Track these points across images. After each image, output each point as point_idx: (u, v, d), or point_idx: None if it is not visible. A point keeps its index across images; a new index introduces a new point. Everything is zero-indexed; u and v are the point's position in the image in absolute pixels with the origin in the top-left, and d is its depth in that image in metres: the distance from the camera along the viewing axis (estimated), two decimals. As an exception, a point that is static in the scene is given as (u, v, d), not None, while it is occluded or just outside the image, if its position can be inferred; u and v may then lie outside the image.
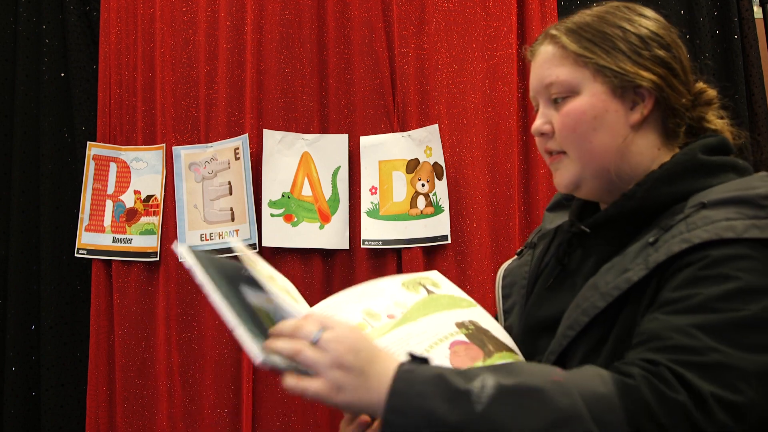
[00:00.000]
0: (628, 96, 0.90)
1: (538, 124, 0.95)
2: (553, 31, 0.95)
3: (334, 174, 2.07)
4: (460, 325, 0.94)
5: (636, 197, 0.88)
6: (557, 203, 1.11)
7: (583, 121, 0.90)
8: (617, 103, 0.90)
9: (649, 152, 0.92)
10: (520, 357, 0.95)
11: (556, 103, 0.93)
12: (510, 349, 0.93)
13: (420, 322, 0.95)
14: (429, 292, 1.03)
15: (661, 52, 0.91)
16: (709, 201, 0.82)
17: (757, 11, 2.04)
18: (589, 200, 1.00)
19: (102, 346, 2.08)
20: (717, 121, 0.96)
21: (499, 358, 0.90)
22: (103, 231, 2.12)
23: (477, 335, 0.93)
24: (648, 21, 0.93)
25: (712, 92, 0.97)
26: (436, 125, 1.99)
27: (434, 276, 1.09)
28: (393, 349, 0.90)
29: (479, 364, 0.88)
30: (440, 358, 0.88)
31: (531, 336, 0.97)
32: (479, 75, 2.04)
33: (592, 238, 0.94)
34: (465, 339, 0.92)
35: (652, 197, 0.88)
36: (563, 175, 0.94)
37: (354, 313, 0.97)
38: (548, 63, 0.94)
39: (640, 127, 0.91)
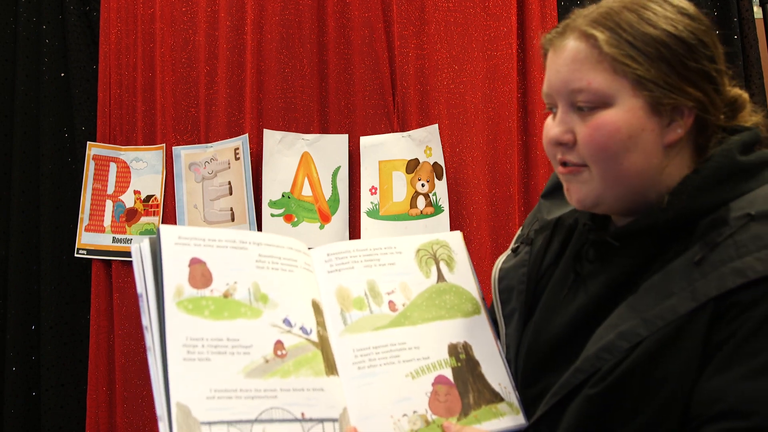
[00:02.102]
0: (664, 114, 0.80)
1: (557, 132, 0.83)
2: (585, 26, 0.82)
3: (334, 174, 2.07)
4: (452, 350, 0.95)
5: (673, 208, 0.80)
6: (554, 187, 1.01)
7: (617, 139, 0.79)
8: (654, 120, 0.79)
9: (680, 173, 0.82)
10: (504, 399, 0.92)
11: (580, 110, 0.82)
12: (492, 396, 0.92)
13: (417, 330, 0.95)
14: (440, 275, 1.01)
15: (707, 64, 0.80)
16: (756, 213, 0.75)
17: (757, 11, 2.04)
18: None
19: (102, 346, 2.08)
20: (752, 118, 0.87)
21: (474, 420, 0.90)
22: (103, 231, 2.13)
23: (464, 373, 0.93)
24: (691, 22, 0.82)
25: (745, 96, 0.87)
26: (436, 125, 1.99)
27: (453, 243, 1.05)
28: (382, 356, 0.91)
29: (453, 420, 0.89)
30: (421, 394, 0.90)
31: (542, 352, 0.90)
32: (479, 75, 2.04)
33: (614, 248, 0.86)
34: (450, 378, 0.92)
35: (692, 208, 0.79)
36: (581, 192, 0.84)
37: (358, 283, 0.96)
38: (578, 64, 0.81)
39: (674, 146, 0.81)
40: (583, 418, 0.78)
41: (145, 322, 0.81)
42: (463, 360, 0.94)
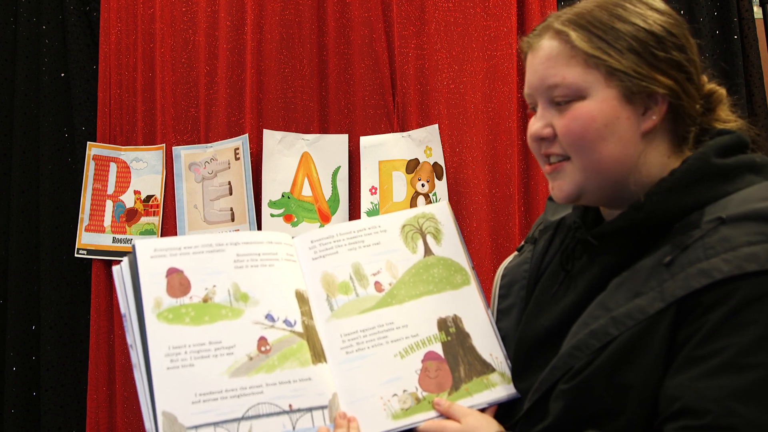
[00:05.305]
0: (639, 101, 0.82)
1: (537, 127, 0.86)
2: (558, 25, 0.86)
3: (334, 174, 2.07)
4: (442, 325, 0.95)
5: (645, 209, 0.82)
6: None
7: (593, 128, 0.82)
8: (629, 109, 0.82)
9: (659, 161, 0.85)
10: (495, 369, 0.93)
11: (557, 105, 0.85)
12: (483, 367, 0.93)
13: (404, 308, 0.95)
14: (427, 250, 1.01)
15: (676, 54, 0.83)
16: (728, 216, 0.76)
17: (757, 11, 2.04)
18: None
19: (102, 346, 2.08)
20: (731, 120, 0.89)
21: (465, 393, 0.90)
22: (103, 231, 2.13)
23: (454, 347, 0.93)
24: (660, 16, 0.85)
25: (722, 91, 0.90)
26: (436, 125, 2.00)
27: (440, 214, 1.04)
28: (370, 338, 0.92)
29: (443, 395, 0.89)
30: (410, 372, 0.91)
31: (528, 347, 0.92)
32: (479, 75, 2.04)
33: (597, 247, 0.88)
34: (440, 353, 0.93)
35: (663, 209, 0.81)
36: (563, 186, 0.86)
37: (343, 267, 0.96)
38: (553, 61, 0.84)
39: (651, 134, 0.84)
40: (561, 413, 0.80)
41: (129, 340, 0.84)
42: (453, 333, 0.94)
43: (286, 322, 0.89)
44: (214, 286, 0.87)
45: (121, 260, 0.86)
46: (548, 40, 0.86)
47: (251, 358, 0.85)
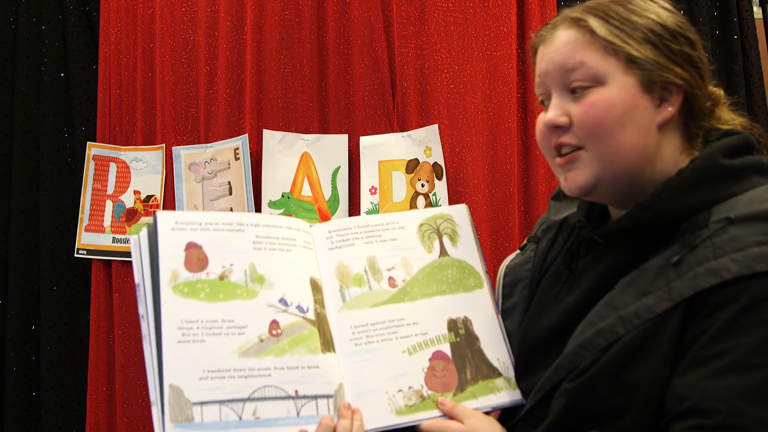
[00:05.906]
0: (655, 92, 0.83)
1: (552, 115, 0.85)
2: (576, 14, 0.86)
3: (334, 174, 2.07)
4: (452, 325, 0.95)
5: (652, 208, 0.81)
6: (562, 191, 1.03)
7: (612, 114, 0.81)
8: (646, 98, 0.82)
9: (672, 156, 0.85)
10: (502, 374, 0.93)
11: (573, 93, 0.84)
12: (490, 371, 0.93)
13: (416, 306, 0.95)
14: (442, 250, 1.01)
15: (688, 50, 0.85)
16: (736, 216, 0.76)
17: (757, 11, 2.04)
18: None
19: (102, 346, 2.08)
20: (733, 120, 0.90)
21: (470, 395, 0.90)
22: (102, 231, 2.12)
23: (462, 348, 0.93)
24: (673, 15, 0.87)
25: (719, 92, 0.91)
26: (436, 125, 1.99)
27: (458, 216, 1.05)
28: (380, 332, 0.92)
29: (448, 395, 0.89)
30: (417, 370, 0.91)
31: (531, 346, 0.92)
32: (479, 75, 2.04)
33: (603, 246, 0.87)
34: (448, 353, 0.93)
35: (670, 209, 0.81)
36: (578, 177, 0.84)
37: (358, 259, 0.97)
38: (571, 46, 0.84)
39: (666, 127, 0.84)
40: (564, 412, 0.80)
41: (141, 311, 0.83)
42: (462, 335, 0.95)
43: (299, 308, 0.89)
44: (232, 264, 0.87)
45: (122, 259, 0.87)
46: (565, 29, 0.86)
47: (262, 340, 0.85)
